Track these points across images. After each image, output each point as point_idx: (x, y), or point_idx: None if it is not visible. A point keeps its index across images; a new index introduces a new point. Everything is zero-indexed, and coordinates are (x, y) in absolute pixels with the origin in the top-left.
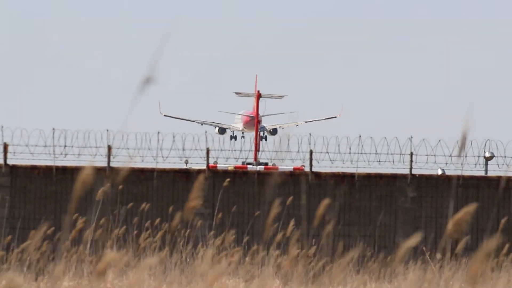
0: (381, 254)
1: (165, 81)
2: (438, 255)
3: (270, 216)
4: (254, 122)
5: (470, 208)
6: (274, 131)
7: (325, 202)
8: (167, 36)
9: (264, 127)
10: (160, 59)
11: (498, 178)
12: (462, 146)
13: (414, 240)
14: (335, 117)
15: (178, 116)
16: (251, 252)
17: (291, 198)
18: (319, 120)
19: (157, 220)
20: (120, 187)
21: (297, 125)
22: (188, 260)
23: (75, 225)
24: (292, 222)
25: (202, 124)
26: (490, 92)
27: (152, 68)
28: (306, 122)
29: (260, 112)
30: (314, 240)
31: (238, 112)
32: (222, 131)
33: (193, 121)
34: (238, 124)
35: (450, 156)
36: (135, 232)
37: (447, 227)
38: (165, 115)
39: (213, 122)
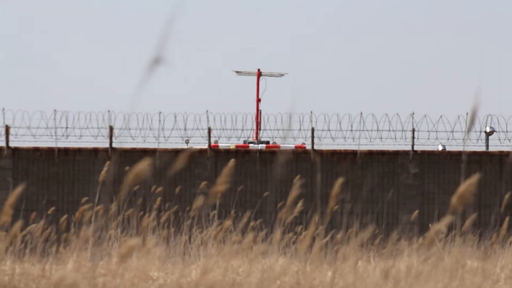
0: (385, 230)
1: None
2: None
3: (289, 200)
4: None
5: (473, 179)
6: None
7: (339, 181)
8: (173, 16)
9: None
10: (169, 39)
11: (500, 153)
12: (472, 123)
13: (447, 221)
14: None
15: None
16: (250, 228)
17: (298, 176)
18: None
19: (159, 201)
20: (127, 168)
21: None
22: (193, 240)
23: (78, 207)
24: (300, 202)
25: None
26: (491, 67)
27: (160, 48)
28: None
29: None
30: (317, 218)
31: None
32: None
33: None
34: None
35: (452, 131)
36: (140, 213)
37: (451, 200)
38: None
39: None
